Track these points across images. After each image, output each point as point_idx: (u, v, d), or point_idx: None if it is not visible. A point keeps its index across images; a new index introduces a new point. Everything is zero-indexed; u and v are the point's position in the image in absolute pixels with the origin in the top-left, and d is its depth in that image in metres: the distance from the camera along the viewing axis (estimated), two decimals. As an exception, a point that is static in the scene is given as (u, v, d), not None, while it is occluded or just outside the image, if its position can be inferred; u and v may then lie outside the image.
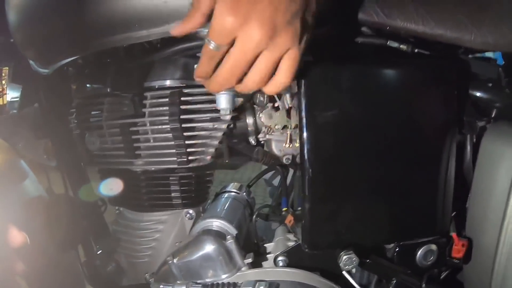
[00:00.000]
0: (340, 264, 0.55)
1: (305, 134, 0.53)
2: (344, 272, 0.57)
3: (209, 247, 0.56)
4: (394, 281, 0.59)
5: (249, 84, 0.42)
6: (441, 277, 0.66)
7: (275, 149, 0.63)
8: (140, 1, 0.49)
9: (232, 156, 0.65)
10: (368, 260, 0.57)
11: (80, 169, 0.76)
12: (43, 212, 0.72)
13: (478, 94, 0.64)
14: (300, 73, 0.52)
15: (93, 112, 0.66)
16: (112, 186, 0.66)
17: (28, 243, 0.45)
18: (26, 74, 0.76)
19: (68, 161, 0.75)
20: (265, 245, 0.65)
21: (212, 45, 0.39)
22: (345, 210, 0.55)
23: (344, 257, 0.54)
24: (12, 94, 1.00)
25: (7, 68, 0.83)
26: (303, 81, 0.52)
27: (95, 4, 0.50)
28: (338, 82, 0.53)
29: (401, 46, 0.60)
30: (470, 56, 0.73)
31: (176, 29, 0.41)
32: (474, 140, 0.64)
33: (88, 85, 0.68)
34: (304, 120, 0.53)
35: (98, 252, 0.73)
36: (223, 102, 0.53)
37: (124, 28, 0.52)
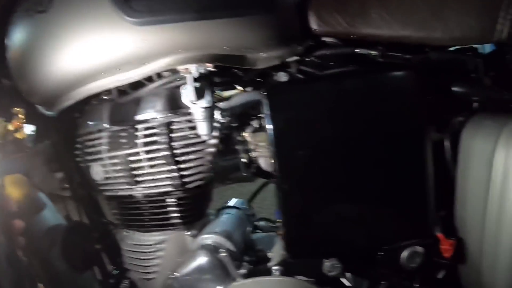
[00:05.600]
0: (324, 270, 0.57)
1: (275, 149, 0.56)
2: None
3: (202, 259, 0.61)
4: (384, 284, 0.61)
5: None
6: (439, 277, 0.65)
7: (264, 164, 0.68)
8: (118, 49, 0.56)
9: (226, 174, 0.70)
10: (354, 266, 0.59)
11: (92, 197, 0.82)
12: (62, 238, 0.79)
13: (455, 89, 0.64)
14: (268, 92, 0.56)
15: (94, 145, 0.72)
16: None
17: None
18: (37, 115, 0.83)
19: (80, 191, 0.82)
20: (268, 255, 0.68)
21: None
22: (324, 219, 0.57)
23: (327, 263, 0.57)
24: (30, 128, 1.09)
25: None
26: (269, 99, 0.55)
27: (77, 55, 0.58)
28: (304, 97, 0.55)
29: (370, 52, 0.61)
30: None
31: None
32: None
33: (89, 122, 0.75)
34: (273, 136, 0.56)
35: (113, 272, 0.80)
36: (203, 129, 0.58)
37: (107, 73, 0.59)
